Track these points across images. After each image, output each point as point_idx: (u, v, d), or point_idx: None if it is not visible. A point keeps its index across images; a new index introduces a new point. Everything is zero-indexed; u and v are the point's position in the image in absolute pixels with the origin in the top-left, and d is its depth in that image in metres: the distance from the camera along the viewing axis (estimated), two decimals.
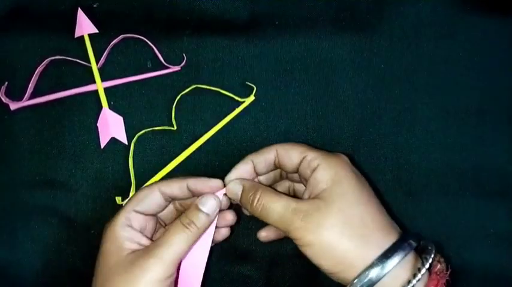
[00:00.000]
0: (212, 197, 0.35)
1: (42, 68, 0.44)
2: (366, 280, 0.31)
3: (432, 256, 0.32)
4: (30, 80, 0.44)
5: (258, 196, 0.35)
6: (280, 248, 0.44)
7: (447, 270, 0.33)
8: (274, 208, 0.34)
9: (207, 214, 0.35)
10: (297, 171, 0.37)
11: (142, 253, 0.33)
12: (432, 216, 0.44)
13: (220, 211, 0.37)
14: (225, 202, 0.37)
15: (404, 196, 0.45)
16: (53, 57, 0.44)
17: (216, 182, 0.37)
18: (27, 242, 0.43)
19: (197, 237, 0.34)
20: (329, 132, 0.45)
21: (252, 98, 0.45)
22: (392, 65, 0.45)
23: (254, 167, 0.38)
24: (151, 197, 0.36)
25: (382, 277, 0.31)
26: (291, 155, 0.36)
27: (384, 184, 0.44)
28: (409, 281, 0.31)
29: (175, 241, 0.33)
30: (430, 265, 0.32)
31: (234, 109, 0.44)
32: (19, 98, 0.44)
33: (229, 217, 0.38)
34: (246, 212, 0.39)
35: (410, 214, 0.44)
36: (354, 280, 0.31)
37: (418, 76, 0.45)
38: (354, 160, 0.42)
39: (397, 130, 0.45)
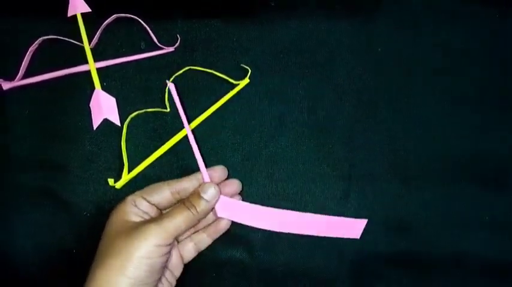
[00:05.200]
0: (213, 186, 0.38)
1: (35, 47, 0.43)
2: None
3: None
4: (23, 60, 0.43)
5: None
6: (272, 232, 0.44)
7: None
8: None
9: (207, 201, 0.37)
10: None
11: (146, 221, 0.36)
12: (428, 204, 0.44)
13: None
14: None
15: (400, 184, 0.44)
16: (46, 37, 0.43)
17: (219, 169, 0.40)
18: (20, 223, 0.43)
19: (197, 220, 0.37)
20: (324, 117, 0.44)
21: (246, 80, 0.44)
22: (389, 50, 0.45)
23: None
24: (160, 190, 0.39)
25: None
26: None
27: (379, 171, 0.44)
28: None
29: (178, 216, 0.36)
30: None
31: (228, 92, 0.44)
32: (11, 78, 0.43)
33: (222, 226, 0.41)
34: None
35: (405, 201, 0.44)
36: None
37: (416, 62, 0.44)
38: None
39: (394, 116, 0.44)
